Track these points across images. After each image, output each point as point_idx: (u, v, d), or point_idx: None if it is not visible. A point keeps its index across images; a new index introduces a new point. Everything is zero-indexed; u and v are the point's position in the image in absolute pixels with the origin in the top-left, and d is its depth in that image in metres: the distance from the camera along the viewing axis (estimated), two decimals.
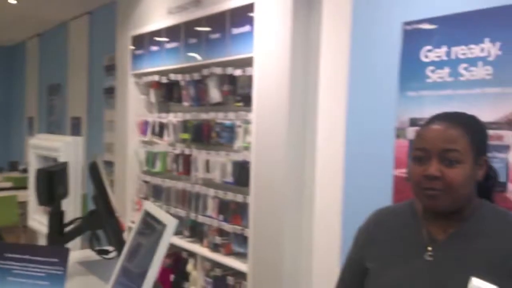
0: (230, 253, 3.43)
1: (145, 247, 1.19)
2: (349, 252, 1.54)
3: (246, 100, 3.28)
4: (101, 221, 1.93)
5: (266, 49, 3.04)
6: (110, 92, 5.33)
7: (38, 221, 2.89)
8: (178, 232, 3.96)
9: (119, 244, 1.79)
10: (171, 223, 1.13)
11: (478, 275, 1.25)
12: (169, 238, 1.12)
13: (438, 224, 1.37)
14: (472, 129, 1.34)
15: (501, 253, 1.27)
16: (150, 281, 1.11)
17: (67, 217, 2.11)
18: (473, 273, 1.25)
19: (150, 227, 1.21)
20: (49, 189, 1.98)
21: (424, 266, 1.32)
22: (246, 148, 3.27)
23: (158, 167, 4.20)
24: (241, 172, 3.28)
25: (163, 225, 1.14)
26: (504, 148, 2.09)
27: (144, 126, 4.40)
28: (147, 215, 1.25)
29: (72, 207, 2.54)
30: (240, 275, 3.31)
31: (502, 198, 2.04)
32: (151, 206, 1.27)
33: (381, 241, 1.44)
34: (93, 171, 1.85)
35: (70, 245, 1.95)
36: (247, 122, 3.26)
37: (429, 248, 1.34)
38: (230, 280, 3.36)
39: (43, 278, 1.65)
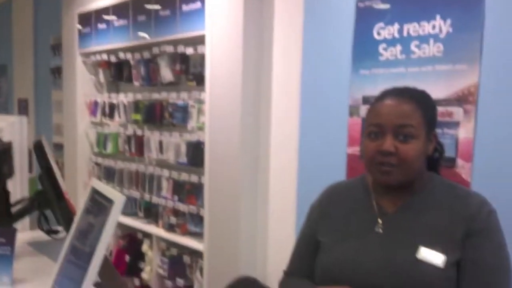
0: (185, 233, 3.42)
1: (93, 225, 1.16)
2: (302, 227, 1.56)
3: (199, 79, 3.23)
4: (48, 201, 1.89)
5: (218, 26, 2.99)
6: (57, 72, 5.15)
7: None
8: (132, 213, 3.92)
9: (68, 224, 1.75)
10: (118, 200, 1.10)
11: (426, 245, 1.29)
12: (118, 214, 1.10)
13: (388, 197, 1.40)
14: (425, 104, 1.37)
15: (448, 224, 1.31)
16: (99, 259, 1.08)
17: (14, 198, 2.07)
18: (421, 243, 1.30)
19: (98, 205, 1.18)
20: None
21: (375, 239, 1.36)
22: (200, 128, 3.23)
23: (109, 148, 4.11)
24: (195, 152, 3.25)
25: (110, 202, 1.12)
26: (454, 125, 2.14)
27: (93, 107, 4.29)
28: (95, 192, 1.22)
29: (18, 188, 2.49)
30: (196, 254, 3.31)
31: (451, 173, 2.10)
32: (98, 184, 1.24)
33: (333, 216, 1.47)
34: (38, 150, 1.79)
35: (18, 226, 1.92)
36: (201, 102, 3.22)
37: (380, 221, 1.38)
38: (187, 259, 3.35)
39: None
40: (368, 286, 1.29)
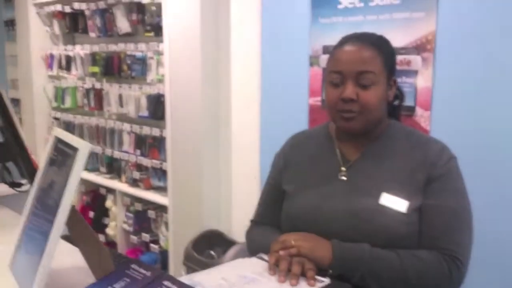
0: (149, 188, 3.40)
1: (58, 175, 1.13)
2: (268, 176, 1.57)
3: (157, 30, 3.14)
4: (11, 153, 1.85)
5: None
6: (11, 24, 4.94)
7: None
8: (95, 169, 3.88)
9: (32, 176, 1.72)
10: (83, 147, 1.07)
11: (388, 192, 1.31)
12: (83, 162, 1.07)
13: (351, 144, 1.42)
14: (384, 49, 1.36)
15: (410, 170, 1.33)
16: (66, 210, 1.06)
17: None
18: (383, 189, 1.31)
19: (62, 153, 1.14)
20: None
21: (339, 186, 1.37)
22: (160, 80, 3.17)
23: (68, 103, 4.00)
24: (156, 105, 3.20)
25: (75, 150, 1.08)
26: (413, 73, 2.15)
27: (49, 60, 4.15)
28: (58, 141, 1.18)
29: None
30: (160, 209, 3.31)
31: (411, 122, 2.12)
32: (61, 132, 1.20)
33: (297, 164, 1.48)
34: None
35: None
36: (159, 53, 3.14)
37: (343, 168, 1.40)
38: (151, 213, 3.35)
39: None
40: (332, 233, 1.30)
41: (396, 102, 1.49)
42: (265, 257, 1.31)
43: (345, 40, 1.38)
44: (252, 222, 1.58)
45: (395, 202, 1.30)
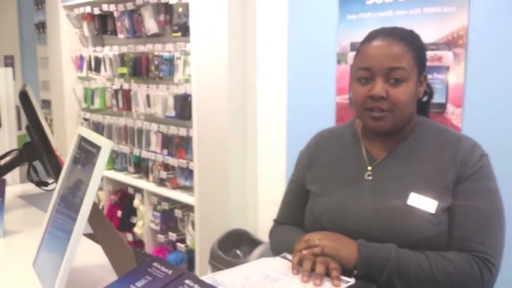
0: (176, 187, 3.40)
1: (81, 173, 1.13)
2: (291, 175, 1.53)
3: (184, 30, 3.14)
4: (37, 152, 1.87)
5: None
6: (41, 27, 5.03)
7: None
8: (123, 169, 3.91)
9: (57, 175, 1.73)
10: (106, 145, 1.07)
11: (416, 191, 1.26)
12: (105, 159, 1.07)
13: (377, 143, 1.37)
14: (415, 44, 1.30)
15: (439, 169, 1.28)
16: (88, 207, 1.06)
17: (3, 151, 2.06)
18: (411, 188, 1.27)
19: (85, 152, 1.15)
20: None
21: (365, 186, 1.33)
22: (187, 80, 3.17)
23: (97, 103, 4.04)
24: (183, 105, 3.20)
25: (98, 148, 1.08)
26: (444, 69, 2.09)
27: (79, 62, 4.20)
28: (82, 139, 1.19)
29: (7, 142, 2.48)
30: (187, 208, 3.31)
31: (442, 119, 2.06)
32: (84, 130, 1.20)
33: (322, 163, 1.44)
34: (24, 100, 1.74)
35: (8, 179, 1.90)
36: (186, 53, 3.14)
37: (369, 168, 1.35)
38: (178, 213, 3.36)
39: None
40: (358, 233, 1.27)
41: (425, 99, 1.43)
42: (289, 256, 1.28)
43: (374, 35, 1.32)
44: (275, 222, 1.55)
45: (424, 202, 1.25)
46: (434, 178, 1.28)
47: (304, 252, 1.22)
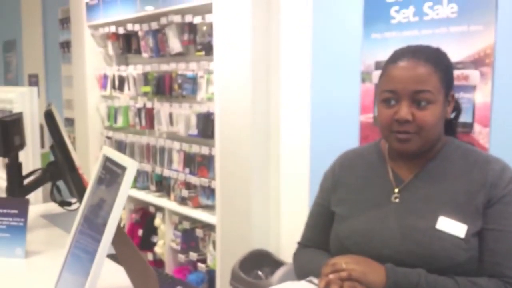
0: (197, 206, 3.39)
1: (106, 193, 1.13)
2: (316, 197, 1.51)
3: (207, 49, 3.16)
4: (61, 171, 1.87)
5: None
6: (66, 46, 5.11)
7: None
8: (144, 187, 3.91)
9: (81, 194, 1.73)
10: (131, 166, 1.06)
11: (444, 214, 1.23)
12: (130, 180, 1.07)
13: (404, 164, 1.34)
14: (441, 64, 1.28)
15: (468, 192, 1.25)
16: (112, 228, 1.05)
17: (26, 170, 2.06)
18: (440, 212, 1.23)
19: (110, 172, 1.14)
20: (5, 139, 1.92)
21: (392, 208, 1.30)
22: (210, 99, 3.17)
23: (120, 122, 4.07)
24: (206, 124, 3.20)
25: (123, 168, 1.08)
26: (470, 88, 2.06)
27: (103, 80, 4.24)
28: (107, 160, 1.18)
29: (31, 161, 2.49)
30: (208, 227, 3.29)
31: (468, 139, 2.02)
32: (110, 151, 1.20)
33: (347, 185, 1.41)
34: (49, 119, 1.75)
35: (31, 198, 1.90)
36: (210, 72, 3.15)
37: (396, 190, 1.32)
38: (199, 232, 3.34)
39: (4, 230, 1.63)
40: (385, 257, 1.24)
41: (453, 115, 1.39)
42: (315, 280, 1.26)
43: (399, 56, 1.29)
44: (299, 245, 1.53)
45: (453, 226, 1.22)
46: (463, 201, 1.25)
47: (331, 276, 1.19)
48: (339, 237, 1.35)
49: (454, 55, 2.04)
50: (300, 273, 1.42)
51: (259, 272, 2.76)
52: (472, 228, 1.22)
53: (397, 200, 1.31)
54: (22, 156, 2.10)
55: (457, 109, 1.40)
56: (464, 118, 1.98)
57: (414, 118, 1.24)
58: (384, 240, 1.27)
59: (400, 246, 1.24)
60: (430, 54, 1.28)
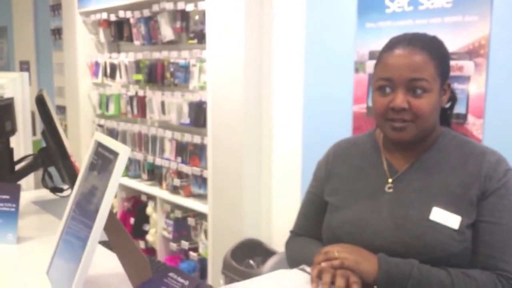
0: (189, 195, 3.39)
1: (98, 180, 1.12)
2: (309, 185, 1.50)
3: (200, 37, 3.14)
4: (53, 157, 1.86)
5: None
6: (57, 33, 5.06)
7: None
8: (136, 176, 3.90)
9: (73, 181, 1.72)
10: (123, 151, 1.05)
11: (438, 205, 1.23)
12: (123, 166, 1.05)
13: (399, 154, 1.34)
14: (437, 52, 1.27)
15: (463, 183, 1.25)
16: (104, 215, 1.04)
17: (18, 156, 2.05)
18: (433, 203, 1.23)
19: (103, 158, 1.13)
20: None
21: (385, 199, 1.30)
22: (202, 87, 3.16)
23: (112, 110, 4.05)
24: (198, 112, 3.19)
25: (115, 154, 1.06)
26: (465, 79, 2.06)
27: (95, 68, 4.21)
28: (99, 145, 1.17)
29: (22, 147, 2.47)
30: (200, 216, 3.29)
31: (462, 130, 2.03)
32: (102, 136, 1.18)
33: (340, 174, 1.40)
34: (40, 104, 1.73)
35: (23, 185, 1.89)
36: (202, 60, 3.14)
37: (390, 180, 1.32)
38: (191, 221, 3.33)
39: None
40: (378, 248, 1.23)
41: (448, 105, 1.39)
42: (307, 269, 1.25)
43: (395, 43, 1.28)
44: (291, 233, 1.52)
45: (447, 218, 1.22)
46: (457, 193, 1.24)
47: (323, 264, 1.19)
48: (332, 226, 1.35)
49: (449, 45, 2.00)
50: (292, 261, 1.42)
51: (251, 261, 2.77)
52: (466, 219, 1.22)
53: (390, 190, 1.30)
54: (14, 142, 2.07)
55: (453, 99, 1.39)
56: (458, 109, 1.98)
57: (410, 106, 1.23)
58: (377, 230, 1.26)
59: (393, 237, 1.24)
60: (426, 42, 1.27)
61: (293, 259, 1.42)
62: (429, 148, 1.31)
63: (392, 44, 1.29)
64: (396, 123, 1.25)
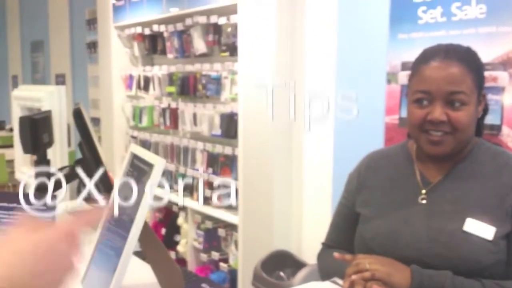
0: (220, 206, 3.40)
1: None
2: (341, 197, 1.50)
3: (232, 50, 3.17)
4: (88, 169, 1.89)
5: None
6: (93, 46, 5.18)
7: (26, 173, 2.87)
8: (168, 186, 3.93)
9: (108, 192, 1.75)
10: (159, 163, 1.07)
11: (473, 216, 1.21)
12: (158, 178, 1.08)
13: (432, 166, 1.32)
14: (473, 64, 1.26)
15: (497, 194, 1.23)
16: (139, 225, 1.06)
17: (54, 167, 2.07)
18: (468, 214, 1.22)
19: (138, 169, 1.15)
20: (33, 136, 1.95)
21: (418, 210, 1.29)
22: (234, 99, 3.18)
23: (145, 121, 4.11)
24: (229, 124, 3.21)
25: (150, 166, 1.09)
26: (499, 90, 2.03)
27: (129, 80, 4.29)
28: (134, 157, 1.20)
29: (58, 158, 2.52)
30: (231, 227, 3.30)
31: (496, 141, 1.99)
32: (137, 148, 1.21)
33: (373, 186, 1.40)
34: (77, 117, 1.78)
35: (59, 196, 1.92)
36: (234, 72, 3.16)
37: (423, 191, 1.30)
38: (221, 232, 3.35)
39: None
40: (411, 259, 1.22)
41: (480, 115, 1.36)
42: (339, 281, 1.25)
43: (431, 55, 1.27)
44: (323, 245, 1.52)
45: (481, 229, 1.20)
46: (492, 204, 1.23)
47: (354, 277, 1.18)
48: (364, 238, 1.34)
49: (483, 56, 1.98)
50: (324, 273, 1.41)
51: (281, 273, 2.76)
52: (500, 230, 1.20)
53: (424, 201, 1.29)
54: (50, 153, 2.13)
55: (484, 109, 1.37)
56: (492, 120, 1.96)
57: (448, 119, 1.22)
58: (410, 242, 1.25)
59: (427, 249, 1.23)
60: (462, 54, 1.26)
61: (325, 272, 1.42)
62: (464, 159, 1.30)
63: (428, 55, 1.28)
64: (433, 136, 1.24)
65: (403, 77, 2.35)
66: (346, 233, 1.42)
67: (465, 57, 1.26)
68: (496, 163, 1.28)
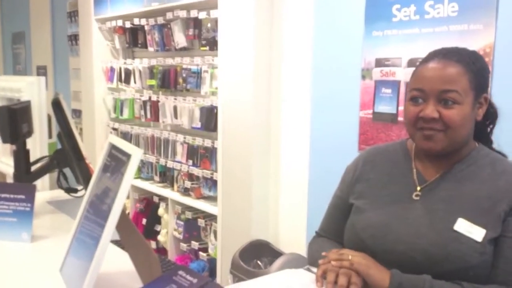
0: (200, 197, 3.45)
1: (110, 180, 1.16)
2: (336, 189, 1.51)
3: (211, 44, 3.20)
4: (68, 159, 1.91)
5: None
6: (74, 39, 5.16)
7: (5, 163, 2.89)
8: (149, 178, 3.97)
9: (87, 182, 1.77)
10: (136, 153, 1.09)
11: (464, 216, 1.23)
12: (135, 167, 1.08)
13: (430, 164, 1.34)
14: (473, 66, 1.27)
15: (491, 198, 1.24)
16: (116, 214, 1.08)
17: (34, 158, 2.11)
18: (460, 214, 1.23)
19: (116, 159, 1.16)
20: (13, 126, 1.95)
21: (411, 206, 1.30)
22: (213, 93, 3.22)
23: (126, 114, 4.13)
24: (209, 117, 3.25)
25: (128, 156, 1.11)
26: None
27: (110, 73, 4.30)
28: (112, 147, 1.21)
29: (38, 149, 2.54)
30: (210, 218, 3.35)
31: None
32: (115, 139, 1.23)
33: (369, 179, 1.41)
34: (56, 108, 1.79)
35: (38, 185, 1.94)
36: (214, 66, 3.20)
37: (418, 188, 1.32)
38: (201, 222, 3.40)
39: (11, 215, 1.65)
40: (399, 254, 1.24)
41: (489, 120, 1.37)
42: (313, 269, 1.28)
43: (431, 56, 1.30)
44: (316, 234, 1.54)
45: (471, 229, 1.21)
46: (485, 206, 1.24)
47: (333, 263, 1.21)
48: (355, 228, 1.35)
49: None
50: (310, 261, 1.44)
51: (259, 262, 2.82)
52: (490, 233, 1.21)
53: (418, 198, 1.31)
54: (30, 143, 2.13)
55: (493, 115, 1.38)
56: None
57: (440, 116, 1.24)
58: (400, 236, 1.26)
59: (415, 244, 1.24)
60: (463, 56, 1.28)
61: (311, 260, 1.43)
62: (461, 161, 1.31)
63: (428, 57, 1.31)
64: (426, 131, 1.26)
65: (377, 73, 2.41)
66: (337, 224, 1.44)
67: (466, 58, 1.27)
68: (494, 168, 1.29)
